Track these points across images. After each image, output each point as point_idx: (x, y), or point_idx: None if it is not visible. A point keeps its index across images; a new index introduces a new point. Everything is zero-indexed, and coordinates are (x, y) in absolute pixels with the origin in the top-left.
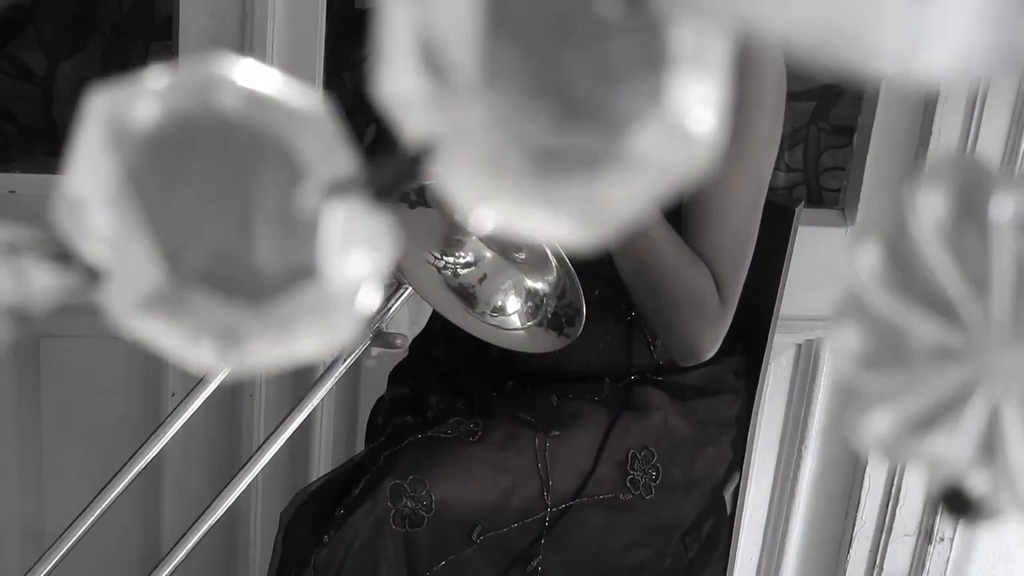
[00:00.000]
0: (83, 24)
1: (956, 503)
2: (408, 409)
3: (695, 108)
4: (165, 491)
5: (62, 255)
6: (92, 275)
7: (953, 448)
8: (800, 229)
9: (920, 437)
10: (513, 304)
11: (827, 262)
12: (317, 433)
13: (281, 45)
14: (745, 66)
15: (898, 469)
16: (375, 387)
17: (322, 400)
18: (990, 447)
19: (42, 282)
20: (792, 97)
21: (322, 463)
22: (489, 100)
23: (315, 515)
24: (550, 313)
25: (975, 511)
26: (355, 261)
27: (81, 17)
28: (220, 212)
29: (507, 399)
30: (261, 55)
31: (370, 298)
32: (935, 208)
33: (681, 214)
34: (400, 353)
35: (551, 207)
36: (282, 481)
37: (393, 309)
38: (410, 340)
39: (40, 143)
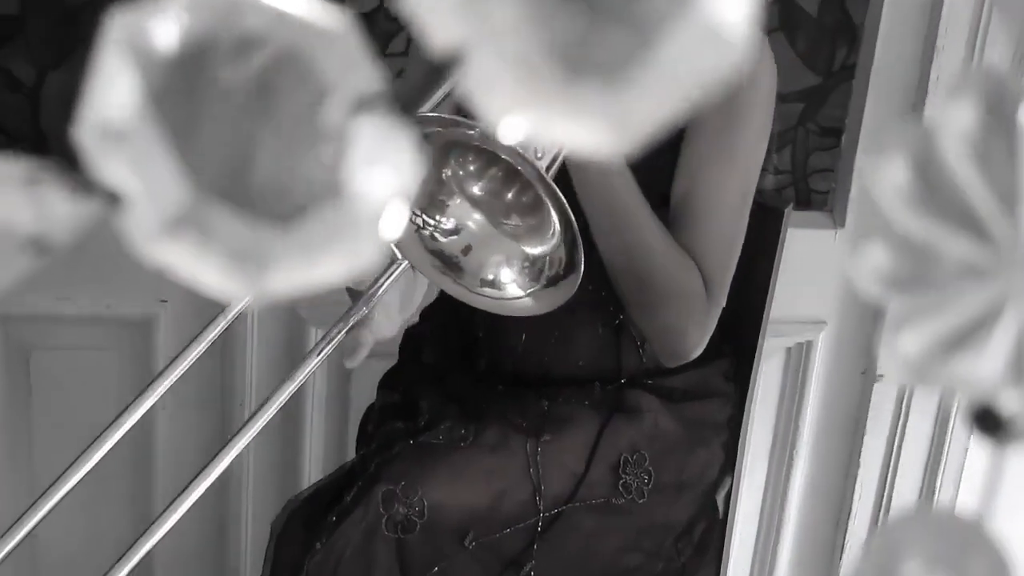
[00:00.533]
0: (70, 34)
1: (987, 423)
2: (399, 415)
3: (726, 12)
4: (155, 501)
5: (83, 182)
6: (114, 200)
7: (982, 367)
8: (789, 231)
9: (949, 357)
10: (507, 275)
11: (816, 264)
12: (307, 441)
13: None
14: None
15: (889, 475)
16: (365, 394)
17: (312, 408)
18: (1020, 365)
19: (63, 210)
20: (780, 98)
21: (313, 471)
22: (518, 3)
23: (307, 523)
24: (552, 274)
25: (1006, 430)
26: (380, 179)
27: (68, 27)
28: (244, 132)
29: (498, 404)
30: None
31: (395, 219)
32: (962, 121)
33: (669, 210)
34: (392, 355)
35: (580, 113)
36: (273, 490)
37: (386, 285)
38: (400, 325)
39: (29, 154)
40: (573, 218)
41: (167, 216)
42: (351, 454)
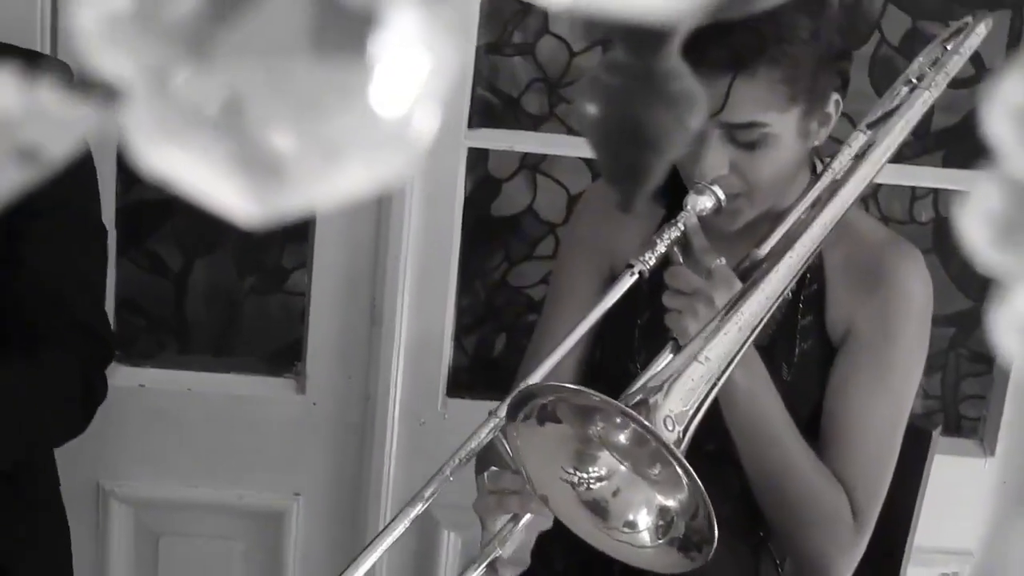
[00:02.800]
0: (220, 222)
1: None
2: None
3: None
4: None
5: (81, 81)
6: (111, 97)
7: None
8: (937, 458)
9: None
10: (644, 520)
11: (965, 493)
12: None
13: (416, 252)
14: (892, 281)
15: None
16: None
17: None
18: None
19: (58, 115)
20: (931, 321)
21: None
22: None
23: None
24: (680, 533)
25: None
26: (413, 70)
27: (219, 216)
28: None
29: None
30: (396, 259)
31: (428, 121)
32: None
33: (819, 430)
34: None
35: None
36: None
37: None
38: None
39: (170, 339)
40: (707, 498)
41: (170, 110)
42: None
